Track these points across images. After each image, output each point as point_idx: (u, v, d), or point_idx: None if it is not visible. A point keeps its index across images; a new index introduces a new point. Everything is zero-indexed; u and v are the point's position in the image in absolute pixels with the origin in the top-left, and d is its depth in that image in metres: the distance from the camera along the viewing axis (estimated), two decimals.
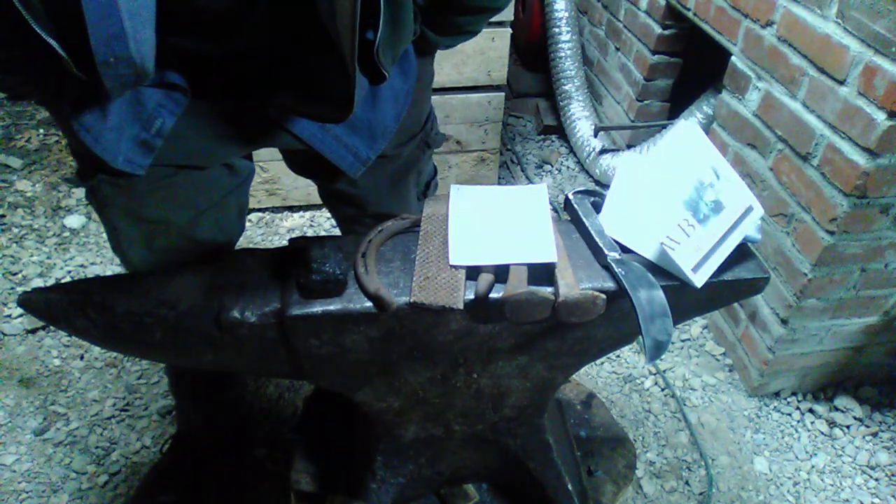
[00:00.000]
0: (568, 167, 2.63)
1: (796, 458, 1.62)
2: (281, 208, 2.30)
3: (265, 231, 2.24)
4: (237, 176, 1.06)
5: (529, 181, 2.53)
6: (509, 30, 2.03)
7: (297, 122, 0.89)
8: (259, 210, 2.30)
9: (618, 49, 2.52)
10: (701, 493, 1.53)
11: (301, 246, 0.84)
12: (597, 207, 0.97)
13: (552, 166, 2.63)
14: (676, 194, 0.85)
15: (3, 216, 2.21)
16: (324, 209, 2.33)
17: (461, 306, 0.81)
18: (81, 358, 1.76)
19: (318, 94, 0.81)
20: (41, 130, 2.64)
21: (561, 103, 2.65)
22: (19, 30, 0.59)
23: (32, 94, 0.83)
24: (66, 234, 2.16)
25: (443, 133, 1.22)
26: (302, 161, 1.10)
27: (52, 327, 1.79)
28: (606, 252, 0.87)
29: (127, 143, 0.81)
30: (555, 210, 2.32)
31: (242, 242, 2.13)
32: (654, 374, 1.80)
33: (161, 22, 0.65)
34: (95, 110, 0.78)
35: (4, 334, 1.81)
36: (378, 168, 1.02)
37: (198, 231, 1.04)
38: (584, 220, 0.94)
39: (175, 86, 0.79)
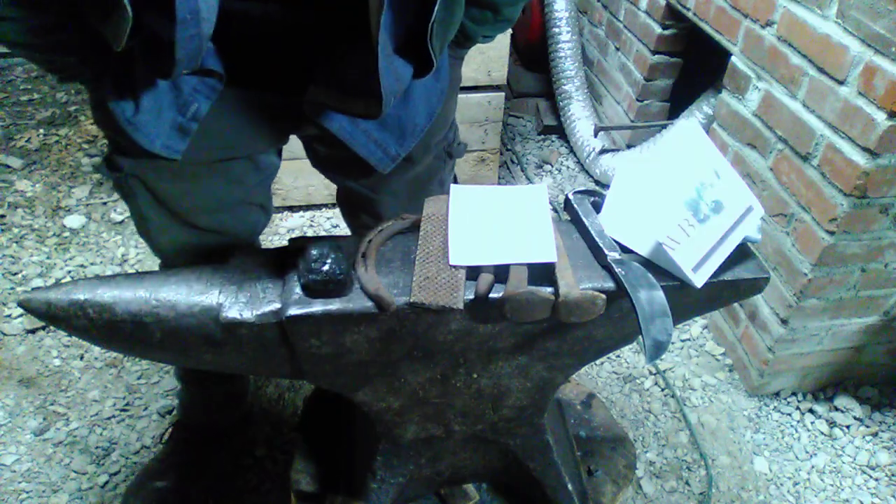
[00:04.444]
0: (568, 167, 2.63)
1: (796, 458, 1.62)
2: (281, 208, 2.30)
3: (265, 231, 2.24)
4: (260, 172, 1.07)
5: (529, 181, 2.53)
6: (509, 30, 2.03)
7: (327, 116, 0.89)
8: None
9: (618, 49, 2.52)
10: (701, 493, 1.53)
11: (301, 246, 0.84)
12: (597, 207, 0.97)
13: (552, 166, 2.63)
14: (677, 194, 0.85)
15: (3, 216, 2.21)
16: (324, 209, 2.33)
17: (461, 306, 0.81)
18: (81, 358, 1.76)
19: (353, 91, 0.81)
20: (41, 130, 2.64)
21: (561, 103, 2.65)
22: (71, 11, 0.63)
23: (85, 73, 0.85)
24: (66, 234, 2.16)
25: (465, 143, 1.19)
26: (328, 157, 1.09)
27: (52, 327, 1.79)
28: (606, 252, 0.87)
29: (164, 127, 0.83)
30: (555, 210, 2.32)
31: None
32: (654, 374, 1.80)
33: None
34: (134, 94, 0.81)
35: (4, 334, 1.81)
36: (399, 173, 1.01)
37: (222, 222, 1.06)
38: (584, 220, 0.94)
39: (211, 72, 0.80)
